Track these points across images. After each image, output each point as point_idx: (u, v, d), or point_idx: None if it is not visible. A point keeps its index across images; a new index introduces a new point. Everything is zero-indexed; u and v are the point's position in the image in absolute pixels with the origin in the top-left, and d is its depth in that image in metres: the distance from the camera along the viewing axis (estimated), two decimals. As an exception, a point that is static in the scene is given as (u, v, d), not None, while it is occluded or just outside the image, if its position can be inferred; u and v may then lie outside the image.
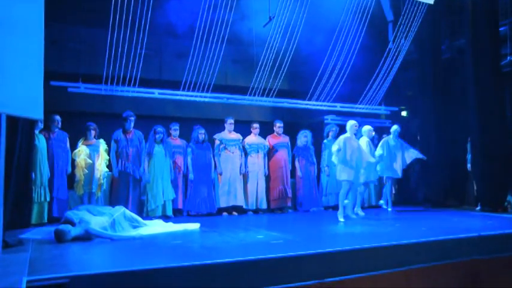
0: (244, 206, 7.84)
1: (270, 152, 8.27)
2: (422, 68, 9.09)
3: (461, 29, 8.58)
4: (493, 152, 7.51)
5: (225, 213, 7.65)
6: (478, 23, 7.73)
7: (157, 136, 7.20)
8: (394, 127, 8.30)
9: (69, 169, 6.84)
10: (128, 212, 5.41)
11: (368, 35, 8.52)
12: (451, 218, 6.55)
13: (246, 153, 8.00)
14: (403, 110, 10.35)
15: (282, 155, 8.25)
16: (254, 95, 8.27)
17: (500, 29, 7.87)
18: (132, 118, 7.07)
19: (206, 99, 8.09)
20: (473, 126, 7.82)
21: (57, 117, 6.81)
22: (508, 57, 7.89)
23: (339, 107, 9.29)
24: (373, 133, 8.08)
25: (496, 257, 4.58)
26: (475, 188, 7.96)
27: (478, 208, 7.69)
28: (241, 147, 7.93)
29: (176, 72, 8.31)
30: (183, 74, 7.75)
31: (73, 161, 6.88)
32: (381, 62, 8.87)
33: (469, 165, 8.05)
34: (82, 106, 8.18)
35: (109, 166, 7.07)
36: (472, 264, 4.41)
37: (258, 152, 7.98)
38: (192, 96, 7.92)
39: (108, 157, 7.04)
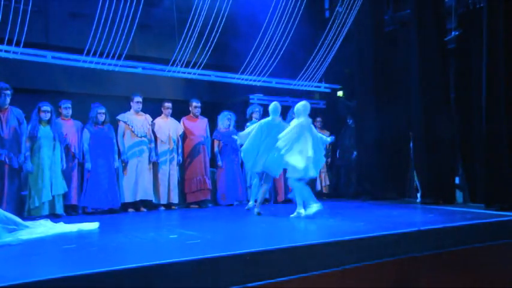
0: (154, 201, 7.83)
1: (186, 137, 8.24)
2: (361, 41, 9.38)
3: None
4: (436, 138, 7.97)
5: (131, 210, 7.62)
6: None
7: (43, 115, 6.97)
8: (274, 104, 7.04)
9: None
10: (2, 212, 5.14)
11: (306, 3, 8.65)
12: (390, 212, 6.94)
13: (156, 138, 7.91)
14: (339, 89, 10.70)
15: (200, 140, 8.25)
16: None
17: (445, 0, 8.34)
18: (8, 92, 6.71)
19: (116, 68, 7.79)
20: (416, 109, 8.26)
21: None
22: (453, 32, 8.35)
23: (274, 83, 9.44)
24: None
25: (436, 253, 4.92)
26: (416, 178, 8.45)
27: (418, 200, 8.21)
28: (150, 132, 7.85)
29: (68, 37, 7.99)
30: (77, 39, 7.43)
31: None
32: (324, 34, 9.05)
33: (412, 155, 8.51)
34: None
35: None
36: (411, 261, 4.70)
37: (170, 151, 7.98)
38: (98, 63, 7.53)
39: (-27, 142, 6.62)
